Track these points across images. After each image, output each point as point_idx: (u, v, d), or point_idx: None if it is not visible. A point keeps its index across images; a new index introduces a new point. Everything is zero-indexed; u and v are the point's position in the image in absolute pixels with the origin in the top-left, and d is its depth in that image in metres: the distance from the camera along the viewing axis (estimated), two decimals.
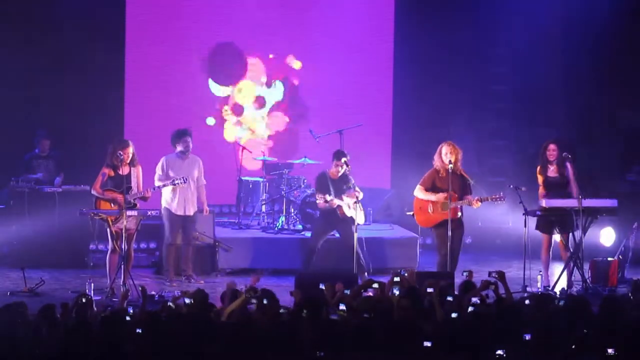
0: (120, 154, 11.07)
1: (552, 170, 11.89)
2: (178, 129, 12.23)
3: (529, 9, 15.33)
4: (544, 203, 11.71)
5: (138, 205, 11.17)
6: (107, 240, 11.24)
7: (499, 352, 6.66)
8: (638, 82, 15.12)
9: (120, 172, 11.17)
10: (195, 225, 12.21)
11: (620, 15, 15.13)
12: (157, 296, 10.58)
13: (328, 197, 11.90)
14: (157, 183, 11.81)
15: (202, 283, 11.84)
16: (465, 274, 9.34)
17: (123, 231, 10.87)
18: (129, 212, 10.93)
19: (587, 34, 15.19)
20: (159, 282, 12.15)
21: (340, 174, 12.08)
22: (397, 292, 8.40)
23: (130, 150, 11.20)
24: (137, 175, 11.26)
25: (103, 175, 11.16)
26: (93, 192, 11.20)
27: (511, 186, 12.45)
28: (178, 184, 11.44)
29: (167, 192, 11.87)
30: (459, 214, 11.43)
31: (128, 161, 11.18)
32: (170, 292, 10.78)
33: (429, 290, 8.33)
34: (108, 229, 11.09)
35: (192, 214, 12.01)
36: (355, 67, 15.83)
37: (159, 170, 11.93)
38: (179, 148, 11.97)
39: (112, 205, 11.08)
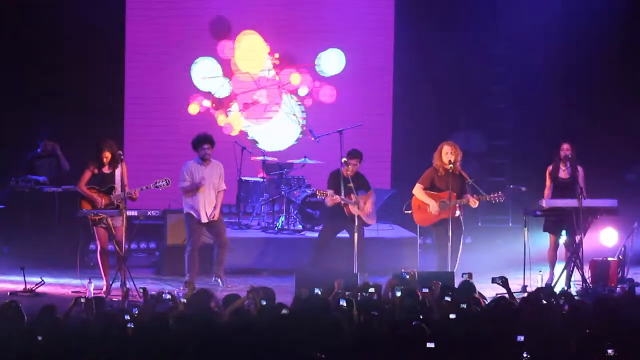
0: (104, 156, 11.12)
1: (563, 172, 11.93)
2: (198, 135, 11.97)
3: (529, 8, 15.33)
4: (544, 203, 11.72)
5: (121, 205, 11.08)
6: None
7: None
8: (638, 81, 15.12)
9: (104, 170, 11.21)
10: (224, 229, 12.09)
11: (621, 14, 15.13)
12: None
13: (330, 193, 11.86)
14: (181, 184, 11.74)
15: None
16: (465, 276, 9.33)
17: (123, 231, 10.89)
18: (129, 212, 10.96)
19: (587, 32, 15.20)
20: (159, 282, 12.15)
21: (354, 173, 12.04)
22: (398, 294, 8.38)
23: (109, 154, 11.17)
24: (122, 173, 11.25)
25: (87, 173, 11.20)
26: (78, 189, 11.25)
27: (511, 186, 12.47)
28: (161, 185, 11.39)
29: (188, 198, 11.76)
30: (458, 212, 11.43)
31: (107, 162, 11.19)
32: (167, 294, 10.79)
33: (425, 290, 8.33)
34: (95, 229, 11.14)
35: (216, 218, 11.86)
36: (355, 67, 15.83)
37: (185, 177, 11.75)
38: (199, 154, 11.79)
39: (98, 204, 11.12)
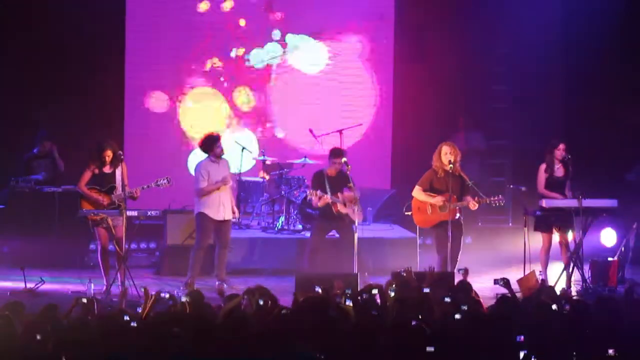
0: (106, 154, 11.15)
1: (558, 170, 11.97)
2: (210, 134, 11.94)
3: (529, 8, 15.33)
4: (544, 203, 11.73)
5: (122, 205, 11.10)
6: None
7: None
8: (638, 81, 15.12)
9: (105, 170, 11.23)
10: (231, 229, 12.01)
11: (620, 14, 15.13)
12: None
13: (319, 193, 11.85)
14: (201, 185, 11.62)
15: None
16: (461, 271, 9.33)
17: (123, 231, 10.89)
18: (129, 212, 10.96)
19: (587, 32, 15.19)
20: (158, 282, 12.15)
21: (337, 172, 12.03)
22: (392, 294, 8.37)
23: (110, 152, 11.22)
24: (122, 173, 11.27)
25: (88, 173, 11.22)
26: (78, 189, 11.27)
27: (511, 186, 12.47)
28: (162, 184, 11.39)
29: (204, 197, 11.63)
30: (458, 214, 11.43)
31: (109, 161, 11.21)
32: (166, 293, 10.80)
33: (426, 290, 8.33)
34: (95, 229, 11.14)
35: (229, 218, 11.80)
36: (355, 66, 15.84)
37: (203, 177, 11.64)
38: (215, 153, 11.71)
39: (99, 204, 11.14)
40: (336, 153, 12.13)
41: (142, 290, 8.82)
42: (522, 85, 15.79)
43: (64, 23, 14.48)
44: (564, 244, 11.86)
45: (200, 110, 15.59)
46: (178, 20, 15.52)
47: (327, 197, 11.87)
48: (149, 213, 11.18)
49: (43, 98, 14.56)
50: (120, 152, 11.44)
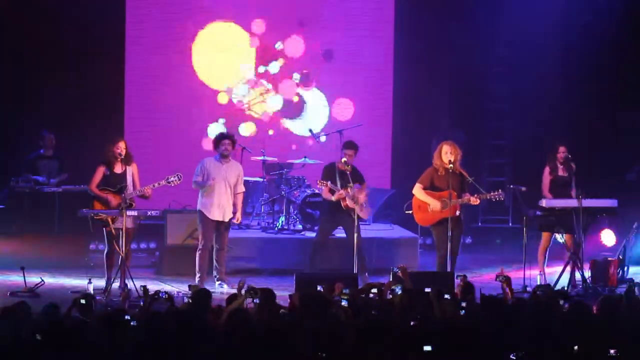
0: (118, 147, 11.12)
1: (561, 170, 12.04)
2: (220, 133, 12.02)
3: (529, 9, 15.34)
4: (544, 203, 11.75)
5: (134, 204, 11.13)
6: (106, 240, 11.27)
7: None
8: (637, 82, 15.13)
9: (116, 171, 11.20)
10: (229, 231, 11.97)
11: (619, 16, 15.14)
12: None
13: (329, 184, 11.82)
14: (195, 179, 11.64)
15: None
16: (459, 278, 9.33)
17: (123, 231, 10.87)
18: (129, 212, 10.93)
19: (586, 34, 15.21)
20: (159, 282, 12.14)
21: (348, 167, 12.01)
22: (398, 292, 8.37)
23: (123, 145, 11.21)
24: (133, 173, 11.27)
25: (99, 173, 11.19)
26: (89, 190, 11.24)
27: (511, 186, 12.48)
28: (173, 181, 11.36)
29: (202, 195, 11.67)
30: (458, 212, 11.43)
31: (121, 157, 11.18)
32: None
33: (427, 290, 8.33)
34: (105, 229, 11.11)
35: (227, 219, 11.75)
36: (356, 66, 15.84)
37: (197, 174, 11.68)
38: (219, 151, 11.69)
39: (110, 204, 11.10)
40: (347, 145, 12.14)
41: (142, 289, 8.84)
42: (522, 85, 15.79)
43: (63, 20, 14.47)
44: (568, 244, 11.87)
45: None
46: (179, 13, 15.55)
47: (342, 192, 11.83)
48: (149, 213, 11.15)
49: (42, 98, 14.56)
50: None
